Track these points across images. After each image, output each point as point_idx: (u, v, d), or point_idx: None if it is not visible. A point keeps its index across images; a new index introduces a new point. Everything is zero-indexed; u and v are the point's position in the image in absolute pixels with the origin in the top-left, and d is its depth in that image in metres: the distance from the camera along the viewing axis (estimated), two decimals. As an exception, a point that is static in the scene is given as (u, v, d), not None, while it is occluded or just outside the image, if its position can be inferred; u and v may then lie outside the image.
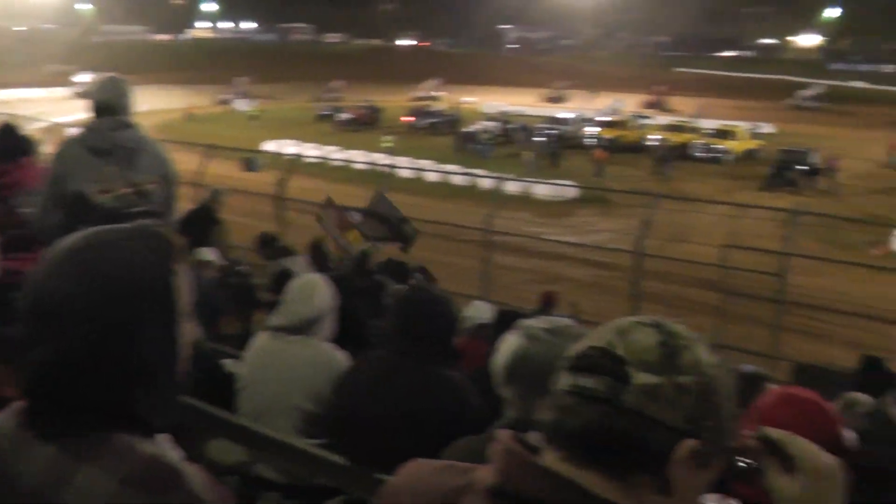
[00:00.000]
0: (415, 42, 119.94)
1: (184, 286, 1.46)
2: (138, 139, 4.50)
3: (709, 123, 46.46)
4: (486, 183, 26.57)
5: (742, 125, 45.95)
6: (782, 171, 33.62)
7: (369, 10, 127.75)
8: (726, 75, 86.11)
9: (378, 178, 21.69)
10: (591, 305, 13.44)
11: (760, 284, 13.71)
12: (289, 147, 35.67)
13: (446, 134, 45.35)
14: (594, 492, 1.16)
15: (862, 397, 4.71)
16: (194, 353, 1.53)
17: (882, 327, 13.51)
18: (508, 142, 42.20)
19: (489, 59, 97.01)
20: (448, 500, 1.27)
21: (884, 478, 2.42)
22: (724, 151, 39.75)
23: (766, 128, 49.53)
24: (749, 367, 5.72)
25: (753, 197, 28.64)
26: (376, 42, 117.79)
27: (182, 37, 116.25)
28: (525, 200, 26.96)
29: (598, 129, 43.80)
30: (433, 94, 69.90)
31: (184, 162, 16.25)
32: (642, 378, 1.16)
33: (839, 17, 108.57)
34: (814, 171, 33.58)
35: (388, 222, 13.99)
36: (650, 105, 63.30)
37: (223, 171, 18.66)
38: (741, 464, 1.33)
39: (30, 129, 20.57)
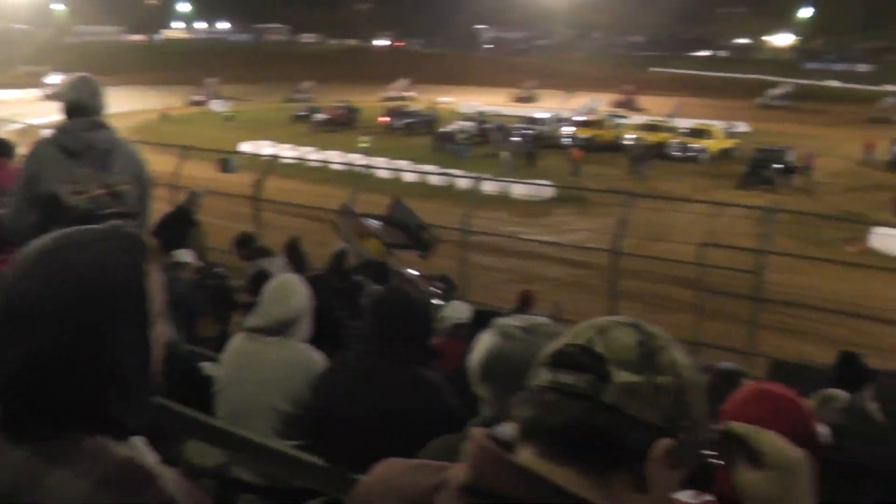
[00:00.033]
0: (390, 42, 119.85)
1: (156, 287, 1.45)
2: (112, 140, 4.47)
3: (685, 123, 46.69)
4: (463, 183, 26.60)
5: (718, 124, 46.22)
6: (758, 169, 33.85)
7: (345, 10, 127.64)
8: (700, 75, 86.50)
9: (355, 178, 21.65)
10: (570, 304, 13.45)
11: (737, 282, 13.80)
12: (265, 148, 35.63)
13: (423, 134, 45.47)
14: (569, 489, 1.15)
15: (838, 393, 4.74)
16: (171, 355, 1.52)
17: (859, 323, 13.65)
18: (485, 142, 42.30)
19: (465, 60, 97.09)
20: (421, 498, 1.27)
21: (859, 472, 2.44)
22: (700, 150, 40.04)
23: (742, 127, 49.79)
24: (726, 364, 5.74)
25: (730, 195, 28.76)
26: (352, 42, 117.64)
27: (156, 37, 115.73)
28: (502, 200, 27.01)
29: (575, 128, 44.04)
30: (403, 94, 69.93)
31: (159, 163, 16.24)
32: (622, 376, 1.16)
33: (812, 17, 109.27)
34: (790, 170, 33.85)
35: (406, 229, 13.81)
36: (619, 104, 63.44)
37: (199, 172, 18.58)
38: (707, 457, 1.34)
39: (4, 131, 20.50)
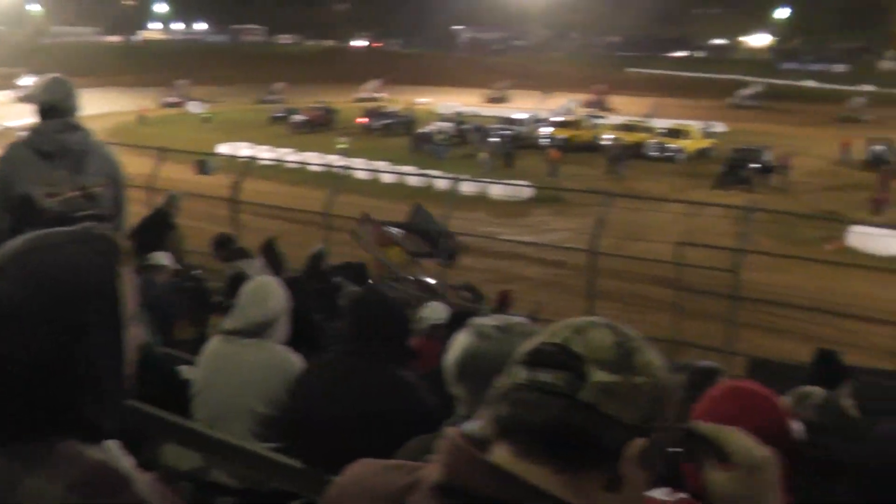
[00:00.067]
0: (368, 43, 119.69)
1: (129, 290, 1.44)
2: (86, 141, 4.44)
3: (662, 123, 46.86)
4: (441, 184, 26.62)
5: (695, 124, 46.41)
6: (735, 169, 34.01)
7: (322, 11, 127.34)
8: (677, 75, 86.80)
9: (333, 180, 21.63)
10: (548, 304, 13.49)
11: (716, 281, 13.86)
12: (243, 149, 35.51)
13: (401, 135, 45.40)
14: (543, 488, 1.16)
15: (815, 390, 4.77)
16: (146, 358, 1.51)
17: (837, 321, 13.75)
18: (463, 142, 42.35)
19: (442, 60, 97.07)
20: (395, 498, 1.27)
21: (833, 468, 2.45)
22: (678, 150, 40.21)
23: (719, 127, 49.99)
24: (704, 363, 5.77)
25: (707, 195, 28.92)
26: (329, 43, 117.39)
27: (133, 38, 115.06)
28: (480, 201, 27.06)
29: (552, 129, 44.10)
30: (375, 94, 69.76)
31: (137, 165, 16.19)
32: (599, 376, 1.17)
33: (789, 18, 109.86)
34: (767, 169, 34.06)
35: (428, 237, 13.50)
36: (590, 104, 63.40)
37: (177, 174, 18.50)
38: (678, 456, 1.35)
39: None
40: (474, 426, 1.27)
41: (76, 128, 4.42)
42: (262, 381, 3.81)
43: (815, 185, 33.51)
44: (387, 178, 31.72)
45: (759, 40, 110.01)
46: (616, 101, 65.17)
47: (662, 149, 40.53)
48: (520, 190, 27.76)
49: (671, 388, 1.25)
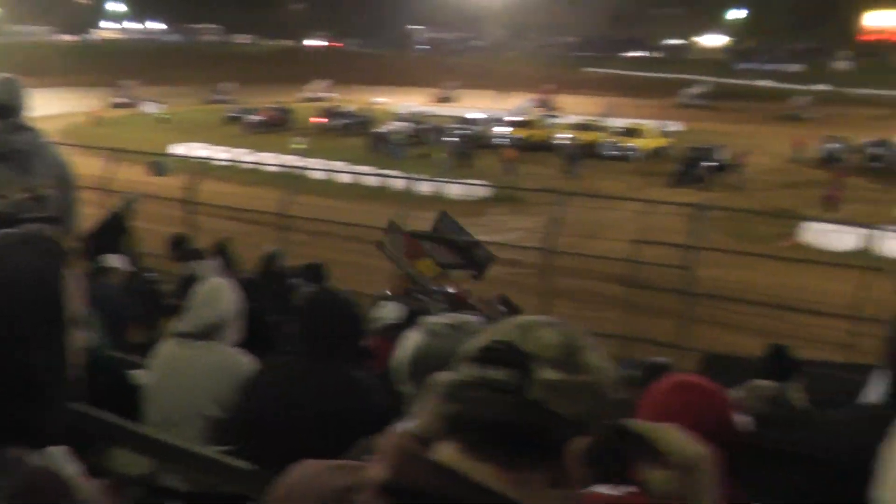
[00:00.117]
0: (325, 43, 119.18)
1: (75, 293, 1.42)
2: (34, 142, 4.39)
3: (617, 122, 47.14)
4: (398, 183, 26.59)
5: (650, 123, 46.74)
6: (691, 167, 34.35)
7: (279, 10, 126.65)
8: (633, 75, 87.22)
9: (290, 180, 21.52)
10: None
11: (670, 278, 13.96)
12: (198, 150, 35.28)
13: (358, 135, 45.27)
14: (488, 485, 1.16)
15: (765, 383, 4.84)
16: (96, 361, 1.49)
17: (789, 315, 13.93)
18: (421, 142, 42.33)
19: (400, 60, 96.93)
20: (339, 498, 1.27)
21: (782, 458, 2.48)
22: (633, 149, 40.54)
23: (674, 126, 50.32)
24: (655, 359, 5.83)
25: (663, 193, 29.17)
26: (286, 43, 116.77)
27: (88, 37, 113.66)
28: (438, 200, 27.00)
29: (509, 128, 44.21)
30: (323, 94, 69.35)
31: (91, 166, 16.07)
32: (547, 374, 1.19)
33: (744, 18, 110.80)
34: (722, 167, 34.44)
35: (455, 247, 12.86)
36: (538, 104, 63.43)
37: (131, 175, 18.32)
38: (620, 452, 1.36)
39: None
40: (414, 424, 1.28)
41: (24, 128, 4.37)
42: (213, 384, 3.79)
43: (768, 182, 33.92)
44: (344, 179, 31.64)
45: (714, 41, 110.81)
46: (572, 100, 65.24)
47: (618, 148, 40.87)
48: (477, 189, 27.83)
49: (614, 386, 1.27)
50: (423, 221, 17.40)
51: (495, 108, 55.93)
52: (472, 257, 12.79)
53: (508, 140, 41.23)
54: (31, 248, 1.39)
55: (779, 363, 5.61)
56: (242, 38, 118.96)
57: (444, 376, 1.26)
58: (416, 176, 28.20)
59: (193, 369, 3.84)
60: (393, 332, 6.26)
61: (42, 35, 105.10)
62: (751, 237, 20.67)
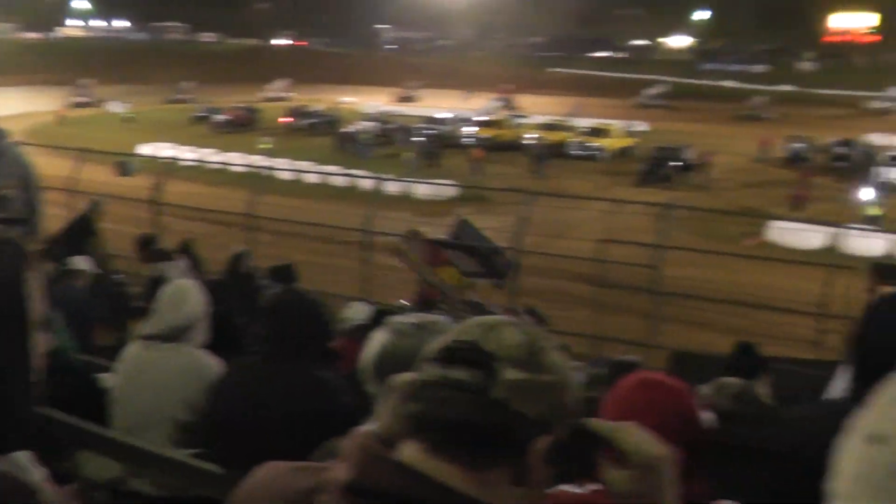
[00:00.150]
0: (291, 42, 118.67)
1: (37, 295, 1.41)
2: (-4, 143, 4.34)
3: (584, 122, 47.30)
4: (365, 183, 26.56)
5: (617, 123, 46.94)
6: (657, 167, 34.54)
7: (245, 9, 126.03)
8: (598, 75, 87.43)
9: (256, 180, 21.45)
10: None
11: (639, 277, 14.03)
12: (165, 150, 35.07)
13: (325, 134, 45.15)
14: (451, 485, 1.17)
15: (732, 380, 4.89)
16: (62, 365, 1.49)
17: (756, 313, 14.06)
18: (388, 142, 42.26)
19: (367, 59, 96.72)
20: (302, 500, 1.27)
21: (746, 454, 2.51)
22: (599, 149, 40.69)
23: (641, 125, 50.53)
24: (623, 357, 5.87)
25: (629, 193, 29.32)
26: (252, 42, 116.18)
27: (53, 35, 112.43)
28: (405, 200, 27.06)
29: (476, 128, 44.27)
30: (282, 94, 68.98)
31: (56, 167, 15.94)
32: (510, 373, 1.20)
33: (709, 19, 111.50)
34: (688, 167, 34.64)
35: (476, 254, 12.45)
36: (499, 103, 63.29)
37: (97, 175, 18.18)
38: (583, 452, 1.38)
39: None
40: (377, 425, 1.28)
41: (-15, 129, 4.32)
42: (180, 387, 3.76)
43: (734, 182, 34.22)
44: (311, 178, 31.57)
45: (680, 42, 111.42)
46: (538, 100, 65.36)
47: (585, 148, 41.05)
48: (444, 189, 27.84)
49: (576, 386, 1.29)
50: (389, 221, 17.43)
51: (461, 107, 55.93)
52: (492, 265, 12.47)
53: (475, 140, 41.30)
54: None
55: (746, 360, 5.65)
56: (208, 37, 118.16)
57: (407, 376, 1.27)
58: (383, 176, 28.17)
59: (160, 372, 3.81)
60: (361, 332, 6.26)
61: (6, 32, 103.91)
62: (717, 236, 20.81)
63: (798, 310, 13.74)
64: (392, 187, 27.59)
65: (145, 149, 35.44)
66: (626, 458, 1.36)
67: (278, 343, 3.36)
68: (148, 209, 16.30)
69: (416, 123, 44.11)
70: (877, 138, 43.02)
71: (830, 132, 43.46)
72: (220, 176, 28.30)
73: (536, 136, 41.05)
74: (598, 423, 1.39)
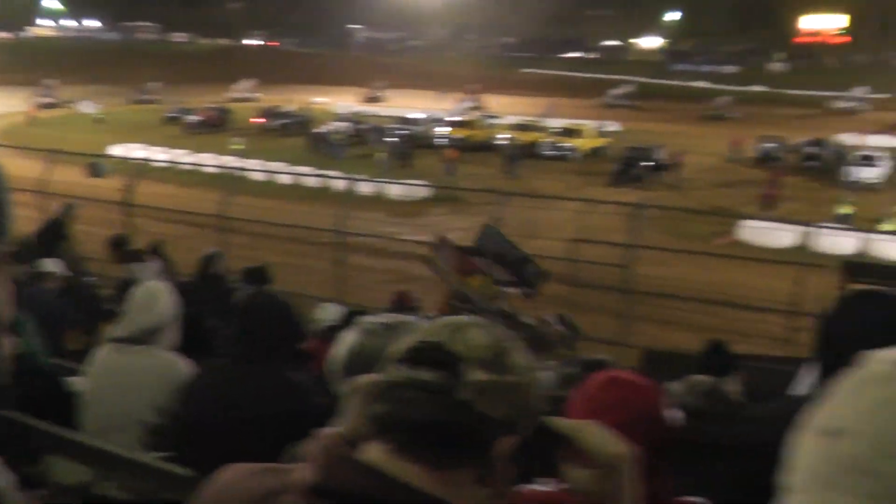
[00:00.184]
0: (262, 42, 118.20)
1: (4, 297, 1.40)
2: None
3: (556, 122, 47.39)
4: (338, 184, 26.54)
5: (588, 123, 47.03)
6: (629, 167, 34.68)
7: (217, 9, 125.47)
8: (569, 75, 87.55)
9: (229, 181, 21.40)
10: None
11: (611, 276, 14.10)
12: (136, 151, 34.87)
13: (298, 135, 45.01)
14: (416, 485, 1.18)
15: (702, 378, 4.93)
16: (31, 369, 1.48)
17: (727, 311, 14.17)
18: (361, 142, 42.17)
19: (339, 60, 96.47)
20: (266, 501, 1.27)
21: (713, 451, 2.53)
22: (571, 149, 40.77)
23: (613, 126, 50.63)
24: (594, 356, 5.89)
25: (601, 193, 29.42)
26: (224, 42, 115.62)
27: (24, 35, 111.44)
28: (378, 201, 27.04)
29: (449, 128, 44.27)
30: (248, 95, 68.62)
31: (27, 168, 15.84)
32: (476, 375, 1.21)
33: (680, 20, 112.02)
34: (659, 167, 34.80)
35: (504, 262, 11.89)
36: (467, 103, 63.16)
37: (69, 177, 18.08)
38: (548, 450, 1.39)
39: None
40: (342, 425, 1.29)
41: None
42: (150, 389, 3.74)
43: (706, 181, 34.41)
44: (283, 179, 31.49)
45: (651, 42, 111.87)
46: (510, 101, 65.29)
47: (557, 148, 41.14)
48: (417, 189, 27.85)
49: (540, 386, 1.30)
50: (362, 221, 17.43)
51: (432, 107, 55.88)
52: (522, 274, 12.00)
53: (448, 140, 41.30)
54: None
55: (717, 359, 5.69)
56: (179, 37, 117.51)
57: (372, 377, 1.27)
58: (356, 176, 28.17)
59: (130, 375, 3.79)
60: (332, 333, 6.27)
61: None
62: (689, 236, 20.92)
63: (769, 308, 13.86)
64: (365, 188, 27.58)
65: (117, 150, 35.20)
66: (588, 456, 1.37)
67: (249, 345, 3.34)
68: (120, 211, 16.20)
69: (389, 124, 44.06)
70: (847, 138, 43.31)
71: (797, 132, 43.85)
72: (193, 177, 28.18)
73: (509, 136, 41.16)
74: (561, 423, 1.40)
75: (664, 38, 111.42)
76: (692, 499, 2.10)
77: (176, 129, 48.65)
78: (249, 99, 65.76)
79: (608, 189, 31.81)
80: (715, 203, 29.11)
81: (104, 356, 3.95)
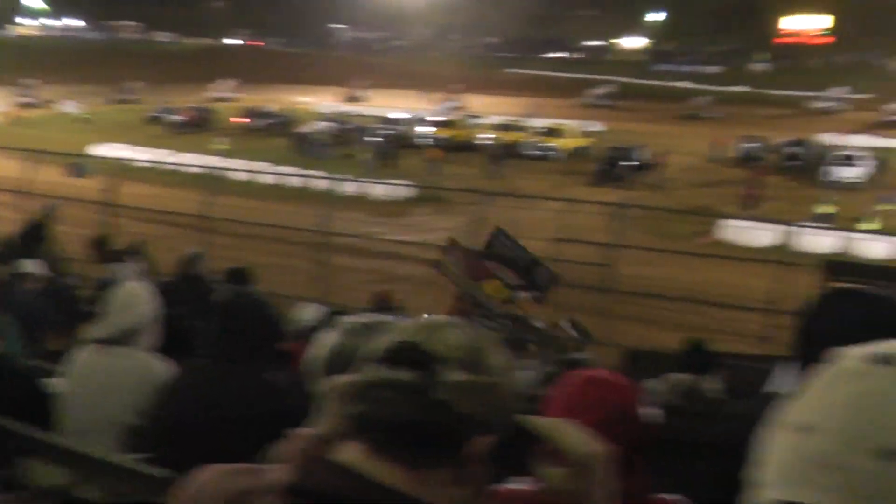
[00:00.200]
0: (244, 41, 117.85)
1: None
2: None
3: (538, 122, 47.44)
4: (322, 184, 26.53)
5: (571, 123, 47.14)
6: (611, 167, 34.80)
7: (200, 8, 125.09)
8: (553, 75, 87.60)
9: (212, 181, 21.33)
10: (430, 302, 13.53)
11: (593, 275, 14.12)
12: (119, 151, 34.76)
13: (281, 135, 44.92)
14: (393, 485, 1.18)
15: (682, 377, 4.96)
16: (9, 370, 1.48)
17: (708, 310, 14.24)
18: (345, 142, 42.13)
19: (323, 59, 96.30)
20: (241, 501, 1.27)
21: (691, 448, 2.55)
22: (554, 149, 40.89)
23: (596, 125, 50.70)
24: (573, 355, 5.91)
25: (584, 192, 29.50)
26: (207, 41, 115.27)
27: (4, 34, 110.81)
28: (361, 201, 27.07)
29: (432, 128, 44.29)
30: (228, 94, 68.35)
31: (9, 168, 15.77)
32: (453, 375, 1.21)
33: (663, 21, 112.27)
34: (641, 167, 34.94)
35: (514, 265, 11.94)
36: (450, 103, 63.13)
37: (51, 177, 18.00)
38: (525, 449, 1.40)
39: None
40: (319, 426, 1.29)
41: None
42: (129, 391, 3.71)
43: (687, 181, 34.56)
44: (266, 179, 31.45)
45: (634, 42, 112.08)
46: (493, 101, 65.20)
47: (539, 148, 41.26)
48: (400, 189, 27.90)
49: (516, 387, 1.31)
50: (345, 221, 17.41)
51: (415, 107, 55.87)
52: (533, 278, 12.02)
53: (432, 140, 41.31)
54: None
55: (697, 357, 5.73)
56: (163, 36, 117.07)
57: (349, 377, 1.27)
58: (339, 176, 28.13)
59: (109, 376, 3.77)
60: (311, 334, 6.26)
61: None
62: (670, 235, 21.02)
63: (749, 306, 13.93)
64: (348, 188, 27.57)
65: (99, 150, 35.09)
66: (562, 455, 1.38)
67: (229, 345, 3.33)
68: (101, 211, 16.14)
69: (373, 124, 44.06)
70: (828, 138, 43.52)
71: (779, 132, 44.02)
72: (176, 177, 28.10)
73: (492, 136, 41.21)
74: (536, 421, 1.41)
75: (647, 38, 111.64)
76: (671, 496, 2.11)
77: (159, 129, 48.52)
78: (230, 98, 65.52)
79: (591, 189, 31.92)
80: (696, 203, 29.28)
81: (83, 357, 3.93)
